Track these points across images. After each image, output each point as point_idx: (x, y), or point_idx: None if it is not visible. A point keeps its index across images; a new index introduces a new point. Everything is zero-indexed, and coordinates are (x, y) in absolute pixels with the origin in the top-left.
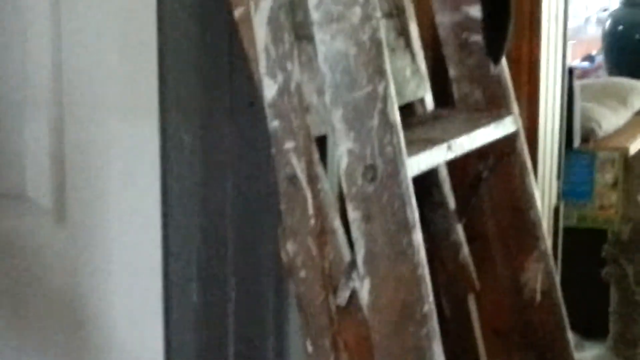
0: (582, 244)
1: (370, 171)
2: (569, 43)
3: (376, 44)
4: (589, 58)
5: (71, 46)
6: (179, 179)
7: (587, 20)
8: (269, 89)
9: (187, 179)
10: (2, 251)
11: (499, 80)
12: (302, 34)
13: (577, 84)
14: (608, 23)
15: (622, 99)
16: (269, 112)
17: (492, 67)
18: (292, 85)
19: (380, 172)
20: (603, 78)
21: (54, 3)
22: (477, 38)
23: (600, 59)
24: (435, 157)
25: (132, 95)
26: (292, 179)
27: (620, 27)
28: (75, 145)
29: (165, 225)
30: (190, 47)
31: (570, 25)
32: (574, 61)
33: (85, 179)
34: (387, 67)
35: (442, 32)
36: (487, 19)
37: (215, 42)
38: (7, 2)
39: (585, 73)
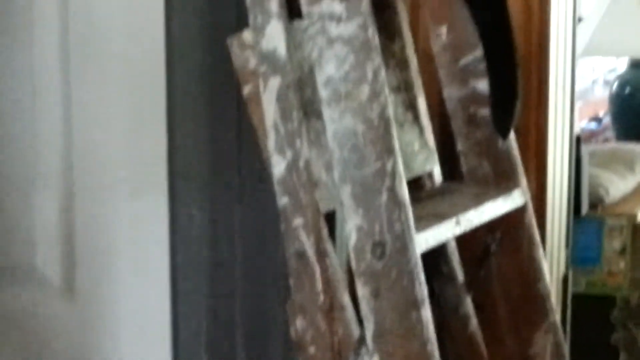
0: (590, 309)
1: (379, 247)
2: (576, 105)
3: (385, 121)
4: (596, 119)
5: (81, 122)
6: (188, 255)
7: (594, 81)
8: (278, 166)
9: (196, 254)
10: (11, 324)
11: (507, 154)
12: (311, 110)
13: (585, 151)
14: (615, 85)
15: (629, 164)
16: (278, 188)
17: (500, 140)
18: (301, 162)
19: (389, 249)
20: (610, 144)
21: (64, 81)
22: (485, 112)
23: (607, 120)
24: (443, 232)
25: (141, 171)
26: (301, 255)
27: (628, 89)
28: (85, 220)
29: (174, 301)
30: (199, 123)
31: (577, 87)
32: (581, 122)
33: (94, 254)
34: (396, 144)
35: (450, 106)
36: (495, 94)
37: (224, 118)
38: (19, 81)
39: (592, 134)
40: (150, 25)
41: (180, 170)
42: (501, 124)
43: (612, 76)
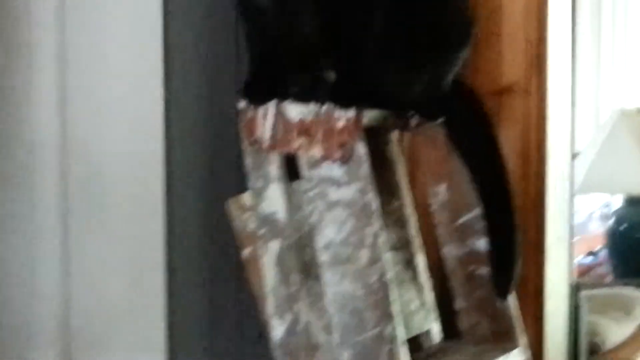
0: None
1: None
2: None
3: (384, 285)
4: (593, 253)
5: (80, 281)
6: None
7: (590, 216)
8: (277, 330)
9: None
10: None
11: (506, 313)
12: (310, 271)
13: (584, 299)
14: (611, 221)
15: (626, 310)
16: (277, 352)
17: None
18: (301, 326)
19: None
20: (607, 288)
21: (64, 238)
22: (484, 271)
23: (604, 254)
24: None
25: (139, 331)
26: None
27: (624, 226)
28: None
29: None
30: (198, 285)
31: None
32: (577, 257)
33: None
34: (395, 308)
35: (449, 265)
36: (494, 257)
37: (222, 280)
38: (17, 238)
39: (589, 268)
40: (150, 187)
41: (179, 330)
42: (500, 286)
43: (607, 210)
